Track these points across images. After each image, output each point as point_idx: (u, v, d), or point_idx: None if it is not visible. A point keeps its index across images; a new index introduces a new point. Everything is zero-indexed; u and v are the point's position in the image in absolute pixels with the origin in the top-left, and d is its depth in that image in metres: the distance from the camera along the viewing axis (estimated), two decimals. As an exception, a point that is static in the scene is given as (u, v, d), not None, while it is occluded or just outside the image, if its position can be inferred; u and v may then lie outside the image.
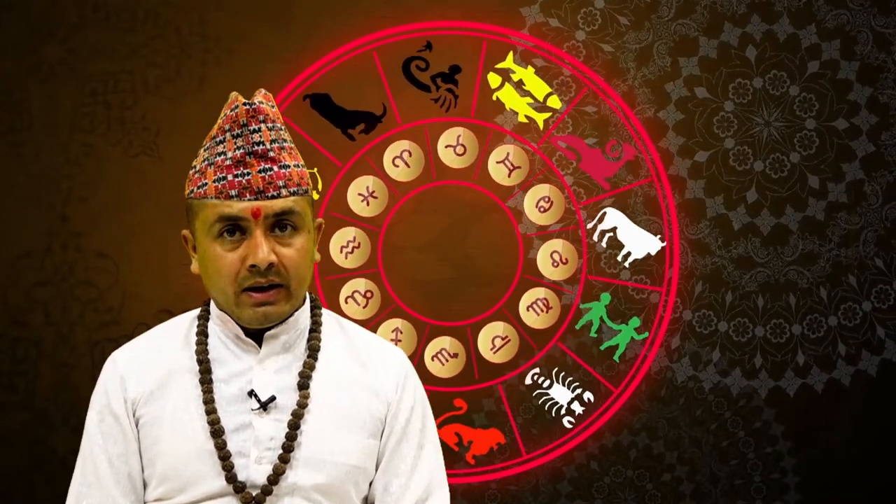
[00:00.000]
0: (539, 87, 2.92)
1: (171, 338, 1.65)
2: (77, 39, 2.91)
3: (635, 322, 2.90)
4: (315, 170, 2.89)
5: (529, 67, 2.91)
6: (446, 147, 2.94)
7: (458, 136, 2.93)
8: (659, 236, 2.89)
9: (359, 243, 2.93)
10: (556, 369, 2.90)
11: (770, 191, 2.91)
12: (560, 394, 2.90)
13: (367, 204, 2.93)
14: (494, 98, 2.93)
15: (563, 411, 2.90)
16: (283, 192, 1.56)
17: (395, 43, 2.93)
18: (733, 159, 2.92)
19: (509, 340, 2.92)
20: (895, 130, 2.91)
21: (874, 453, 2.89)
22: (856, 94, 2.91)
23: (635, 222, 2.91)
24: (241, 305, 1.56)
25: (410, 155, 2.94)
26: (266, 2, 2.91)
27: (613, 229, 2.90)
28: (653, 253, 2.90)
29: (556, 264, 2.92)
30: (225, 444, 1.55)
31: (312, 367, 1.61)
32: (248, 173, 1.55)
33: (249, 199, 1.54)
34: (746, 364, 2.90)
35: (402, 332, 2.91)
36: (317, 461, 1.57)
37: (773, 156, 2.92)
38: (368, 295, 2.93)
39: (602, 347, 2.90)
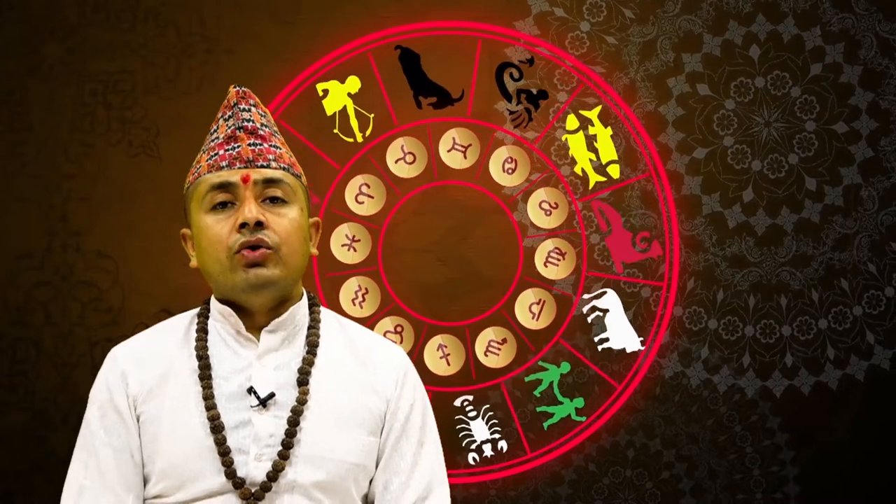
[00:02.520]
0: (608, 151, 2.90)
1: (171, 335, 1.66)
2: (77, 39, 2.91)
3: (579, 402, 2.88)
4: (372, 116, 2.89)
5: (608, 129, 2.91)
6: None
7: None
8: (641, 339, 2.89)
9: (366, 289, 2.92)
10: (486, 406, 2.88)
11: (767, 191, 2.91)
12: (478, 430, 2.88)
13: (354, 250, 2.92)
14: (563, 139, 2.92)
15: (473, 446, 2.88)
16: (273, 164, 1.60)
17: (501, 42, 2.92)
18: (731, 158, 2.92)
19: (544, 302, 2.90)
20: (895, 136, 2.91)
21: (870, 452, 2.88)
22: (857, 98, 2.91)
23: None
24: (235, 269, 1.57)
25: (369, 186, 2.91)
26: (267, 2, 2.92)
27: (605, 311, 2.90)
28: (628, 351, 2.89)
29: (548, 212, 2.91)
30: (225, 440, 1.55)
31: (311, 363, 1.61)
32: (238, 146, 1.59)
33: (240, 168, 1.58)
34: (734, 363, 2.90)
35: (447, 347, 2.90)
36: (316, 458, 1.57)
37: (771, 156, 2.92)
38: (399, 329, 2.91)
39: (538, 410, 2.89)
